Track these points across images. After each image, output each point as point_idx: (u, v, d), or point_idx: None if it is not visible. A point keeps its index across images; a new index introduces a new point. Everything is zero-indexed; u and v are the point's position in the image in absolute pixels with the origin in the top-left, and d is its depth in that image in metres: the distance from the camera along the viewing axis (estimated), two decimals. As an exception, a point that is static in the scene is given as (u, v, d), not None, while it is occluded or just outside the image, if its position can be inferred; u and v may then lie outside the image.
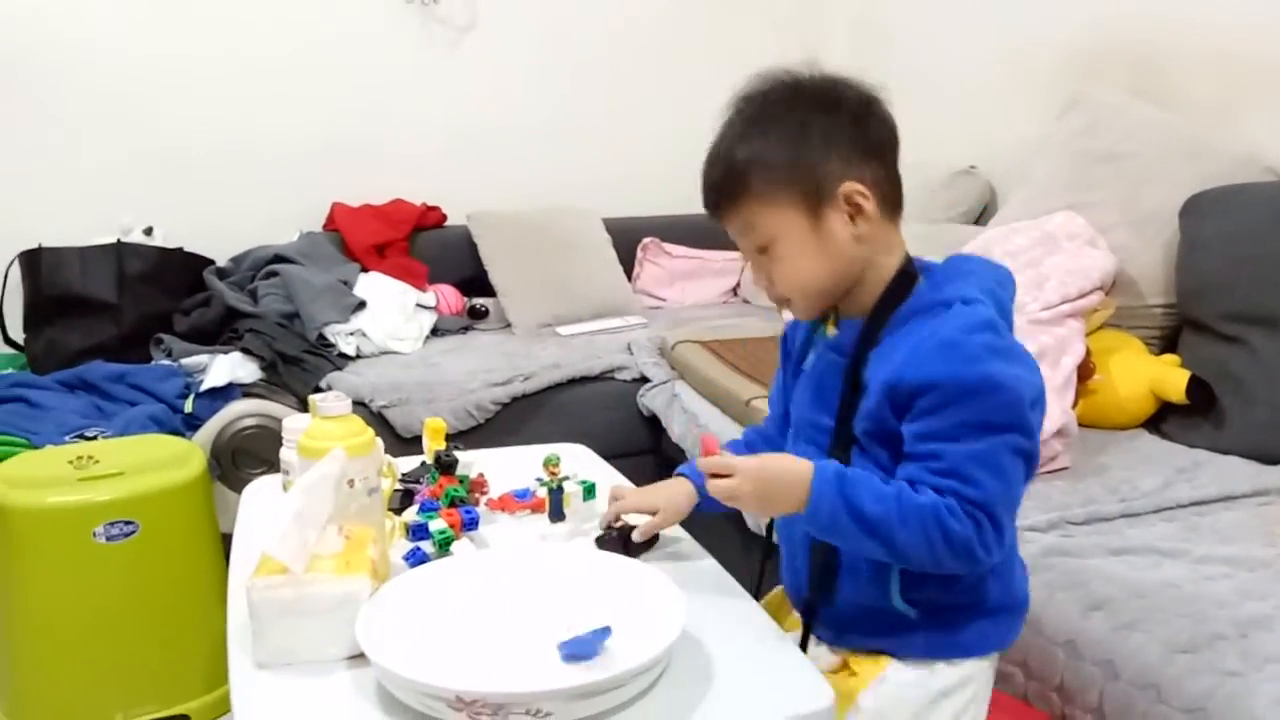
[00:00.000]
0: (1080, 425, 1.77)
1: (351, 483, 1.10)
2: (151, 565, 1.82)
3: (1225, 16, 2.20)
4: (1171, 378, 1.83)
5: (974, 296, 0.97)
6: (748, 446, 1.25)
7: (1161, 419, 1.90)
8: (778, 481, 0.97)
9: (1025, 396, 0.94)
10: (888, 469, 0.99)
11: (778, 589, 1.22)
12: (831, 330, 1.08)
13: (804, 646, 1.09)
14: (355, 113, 3.19)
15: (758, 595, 1.16)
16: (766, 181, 0.99)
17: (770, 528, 1.20)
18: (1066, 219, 2.09)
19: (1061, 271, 1.93)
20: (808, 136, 0.99)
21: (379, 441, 1.16)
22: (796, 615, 1.15)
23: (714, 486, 0.99)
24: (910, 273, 1.03)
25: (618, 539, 1.16)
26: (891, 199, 1.03)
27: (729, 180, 1.02)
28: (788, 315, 1.13)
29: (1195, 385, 1.80)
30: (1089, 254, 1.99)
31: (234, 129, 3.04)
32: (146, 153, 2.95)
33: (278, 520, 0.97)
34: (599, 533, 1.19)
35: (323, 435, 1.10)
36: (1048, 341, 1.80)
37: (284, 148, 3.10)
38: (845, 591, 1.05)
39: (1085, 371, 1.85)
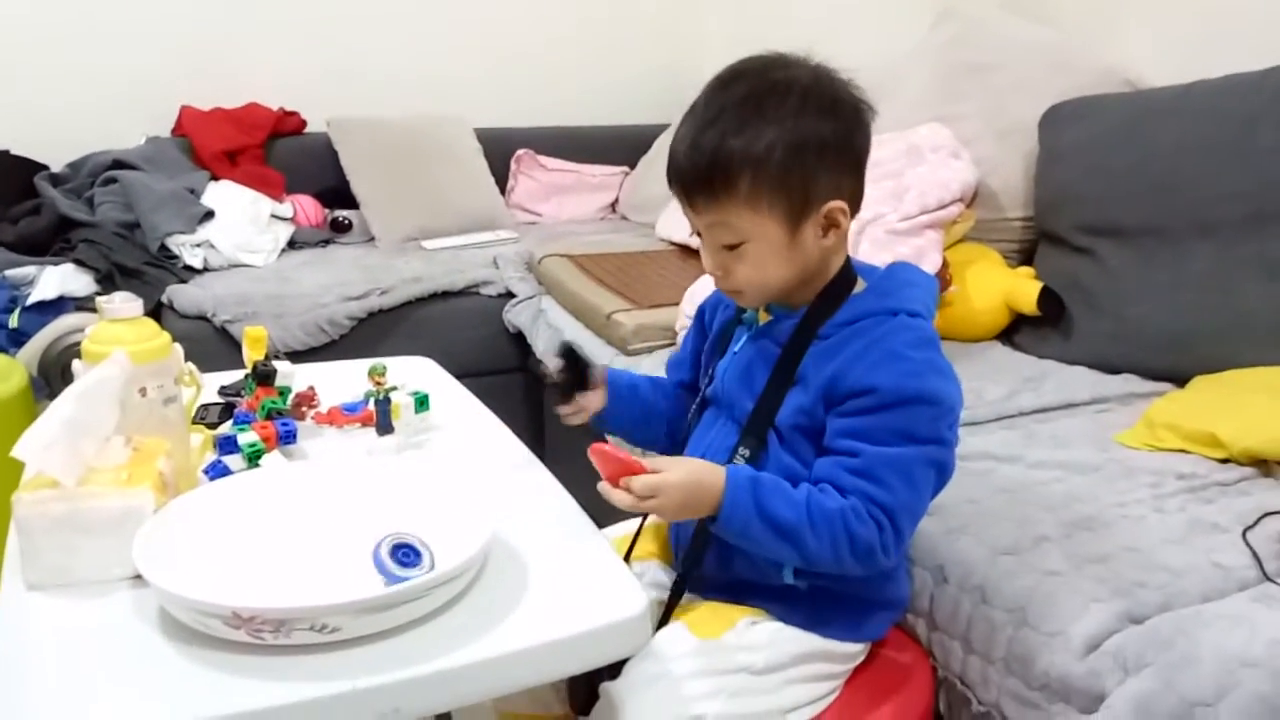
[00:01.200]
0: (935, 334, 1.78)
1: (144, 391, 1.02)
2: (-37, 488, 1.69)
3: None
4: (1024, 289, 1.84)
5: (918, 310, 1.00)
6: (632, 389, 1.20)
7: (1015, 330, 1.92)
8: (696, 492, 0.95)
9: (953, 412, 0.97)
10: (806, 463, 1.00)
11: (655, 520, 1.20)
12: (765, 317, 1.07)
13: (679, 591, 1.09)
14: (206, 7, 2.97)
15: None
16: (755, 187, 0.95)
17: None
18: (931, 131, 2.08)
19: (923, 183, 1.92)
20: (805, 146, 0.95)
21: (177, 348, 1.07)
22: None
23: (637, 508, 0.94)
24: (850, 274, 1.04)
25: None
26: (855, 208, 1.01)
27: (714, 176, 0.96)
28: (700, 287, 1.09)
29: (1047, 297, 1.81)
30: (951, 166, 1.98)
31: (71, 21, 2.80)
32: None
33: (43, 428, 0.89)
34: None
35: (107, 339, 1.01)
36: (904, 252, 1.79)
37: (128, 44, 2.89)
38: (735, 565, 1.04)
39: (941, 283, 1.85)
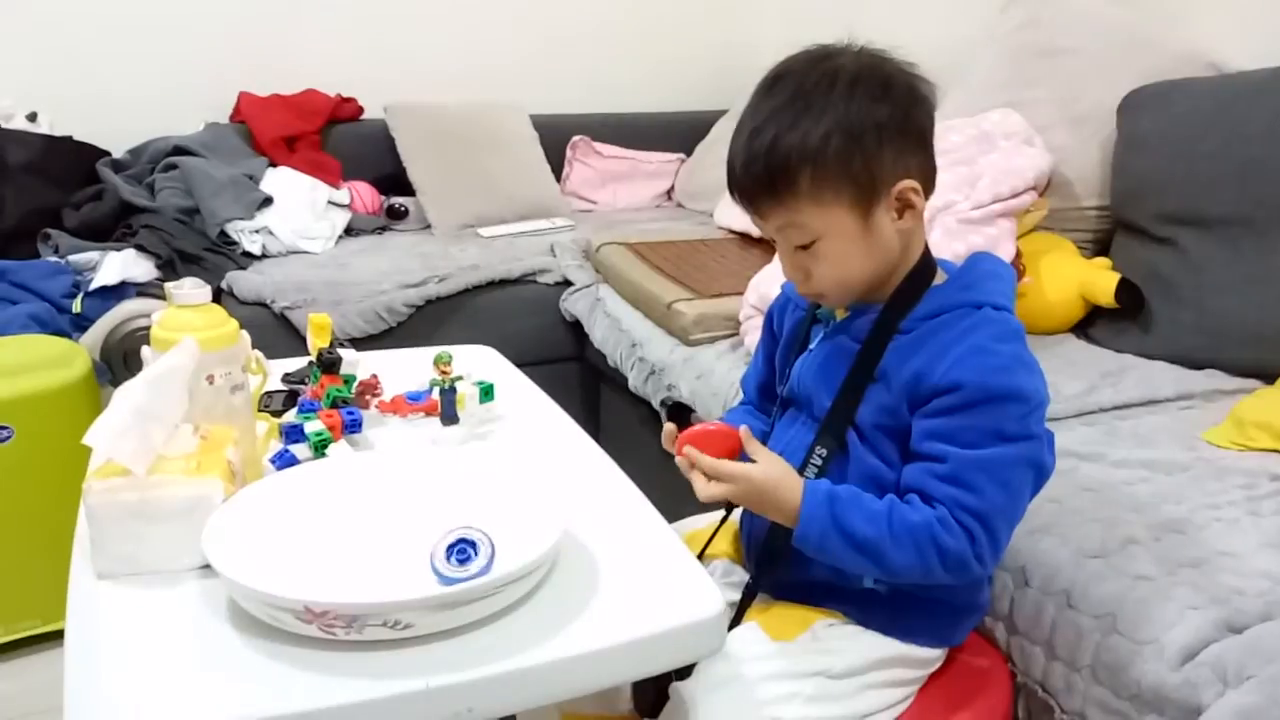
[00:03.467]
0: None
1: (211, 378, 1.00)
2: (30, 472, 1.71)
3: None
4: (1101, 281, 1.77)
5: (1004, 304, 0.96)
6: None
7: (1090, 323, 1.85)
8: (773, 494, 0.94)
9: (1042, 407, 0.93)
10: (890, 463, 0.97)
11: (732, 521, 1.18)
12: (842, 312, 1.03)
13: (752, 591, 1.06)
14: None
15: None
16: (817, 181, 0.92)
17: None
18: (1003, 116, 2.01)
19: (995, 170, 1.86)
20: (861, 131, 0.91)
21: (245, 335, 1.06)
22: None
23: (708, 492, 0.95)
24: (930, 263, 1.00)
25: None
26: (928, 186, 0.97)
27: (774, 178, 0.93)
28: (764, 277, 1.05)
29: (1124, 288, 1.75)
30: (1024, 152, 1.92)
31: (131, 9, 2.82)
32: (30, 31, 2.71)
33: (114, 416, 0.88)
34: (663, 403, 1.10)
35: (176, 325, 1.00)
36: (977, 241, 1.74)
37: (187, 31, 2.89)
38: (813, 567, 1.00)
39: (1015, 273, 1.80)
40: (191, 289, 1.01)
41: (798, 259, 0.98)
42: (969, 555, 0.90)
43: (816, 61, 0.95)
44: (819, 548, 0.93)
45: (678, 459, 0.98)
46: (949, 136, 1.99)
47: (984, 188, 1.81)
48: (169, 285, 1.03)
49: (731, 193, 0.99)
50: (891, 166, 0.93)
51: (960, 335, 0.93)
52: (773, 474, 0.94)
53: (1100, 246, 1.97)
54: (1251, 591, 0.99)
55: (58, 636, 1.72)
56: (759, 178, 0.94)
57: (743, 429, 0.97)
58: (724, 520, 1.16)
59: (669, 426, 1.01)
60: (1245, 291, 1.60)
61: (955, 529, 0.89)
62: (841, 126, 0.91)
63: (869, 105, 0.91)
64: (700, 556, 1.13)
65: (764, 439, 1.11)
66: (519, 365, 1.46)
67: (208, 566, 0.82)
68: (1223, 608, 0.97)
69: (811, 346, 1.06)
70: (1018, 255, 1.80)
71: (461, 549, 0.81)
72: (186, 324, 1.00)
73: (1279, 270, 1.57)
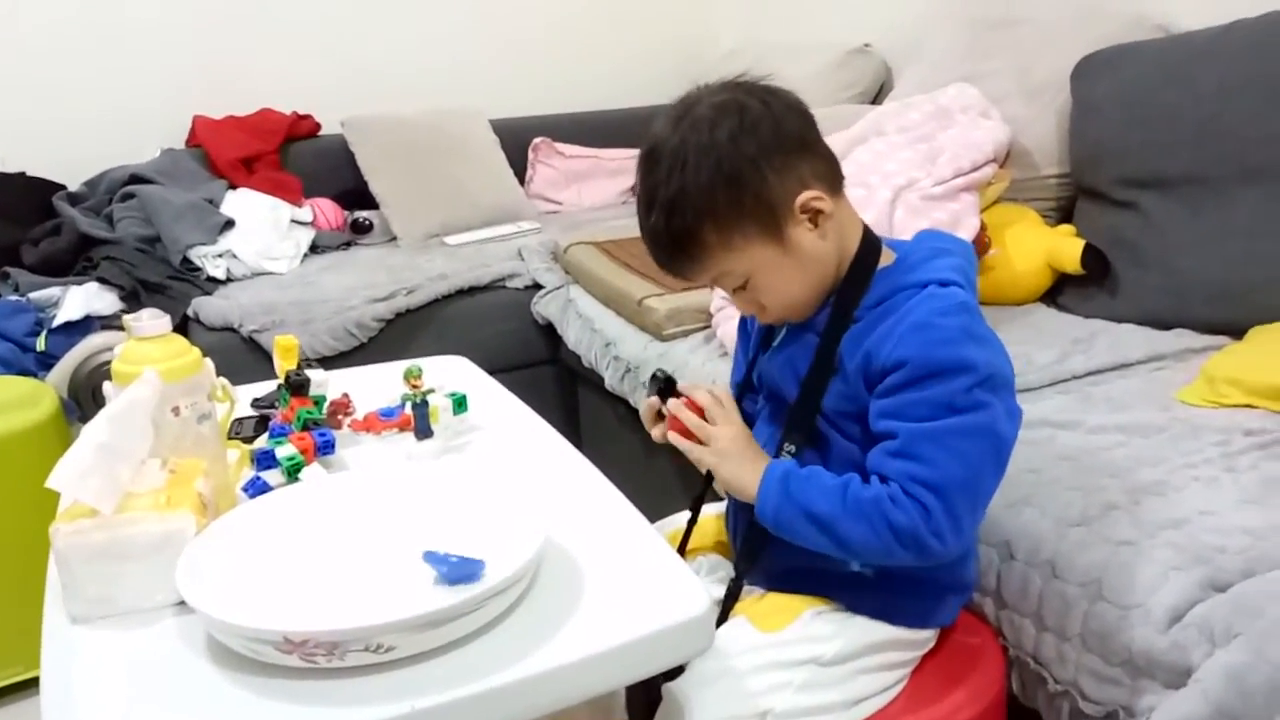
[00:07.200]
0: (977, 302, 1.72)
1: (177, 410, 0.99)
2: (1, 516, 1.68)
3: None
4: (1066, 248, 1.78)
5: (950, 279, 0.96)
6: None
7: (1059, 291, 1.86)
8: (738, 470, 0.99)
9: (994, 379, 0.92)
10: (860, 443, 0.97)
11: (711, 513, 1.17)
12: None
13: (737, 585, 1.06)
14: (213, 14, 2.95)
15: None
16: (720, 231, 0.94)
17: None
18: (959, 91, 2.02)
19: (955, 145, 1.86)
20: (738, 170, 0.93)
21: (208, 363, 1.05)
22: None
23: (685, 448, 1.02)
24: (872, 245, 1.01)
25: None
26: (833, 180, 0.98)
27: (682, 244, 0.96)
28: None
29: (1090, 254, 1.75)
30: (982, 125, 1.93)
31: (78, 38, 2.78)
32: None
33: (78, 456, 0.86)
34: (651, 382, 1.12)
35: (137, 359, 0.98)
36: (941, 217, 1.74)
37: (137, 58, 2.86)
38: (799, 552, 0.99)
39: (981, 246, 1.80)
40: (150, 320, 1.00)
41: (743, 298, 1.01)
42: (922, 530, 0.88)
43: (677, 121, 0.96)
44: (776, 523, 0.95)
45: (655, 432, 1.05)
46: (907, 114, 1.99)
47: (945, 163, 1.82)
48: (127, 318, 1.02)
49: (666, 272, 1.02)
50: (782, 188, 0.94)
51: (904, 315, 0.94)
52: (738, 441, 1.00)
53: (1063, 214, 1.98)
54: (1233, 549, 0.99)
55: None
56: (670, 250, 0.97)
57: (722, 393, 1.03)
58: (694, 518, 1.15)
59: (651, 400, 1.07)
60: (1208, 249, 1.61)
61: (906, 503, 0.89)
62: (719, 174, 0.92)
63: (735, 143, 0.93)
64: (683, 553, 1.13)
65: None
66: (494, 372, 1.45)
67: (184, 602, 0.80)
68: (1205, 567, 0.98)
69: (775, 343, 1.07)
70: (983, 228, 1.80)
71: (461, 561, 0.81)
72: (147, 356, 0.98)
73: (1239, 226, 1.57)
